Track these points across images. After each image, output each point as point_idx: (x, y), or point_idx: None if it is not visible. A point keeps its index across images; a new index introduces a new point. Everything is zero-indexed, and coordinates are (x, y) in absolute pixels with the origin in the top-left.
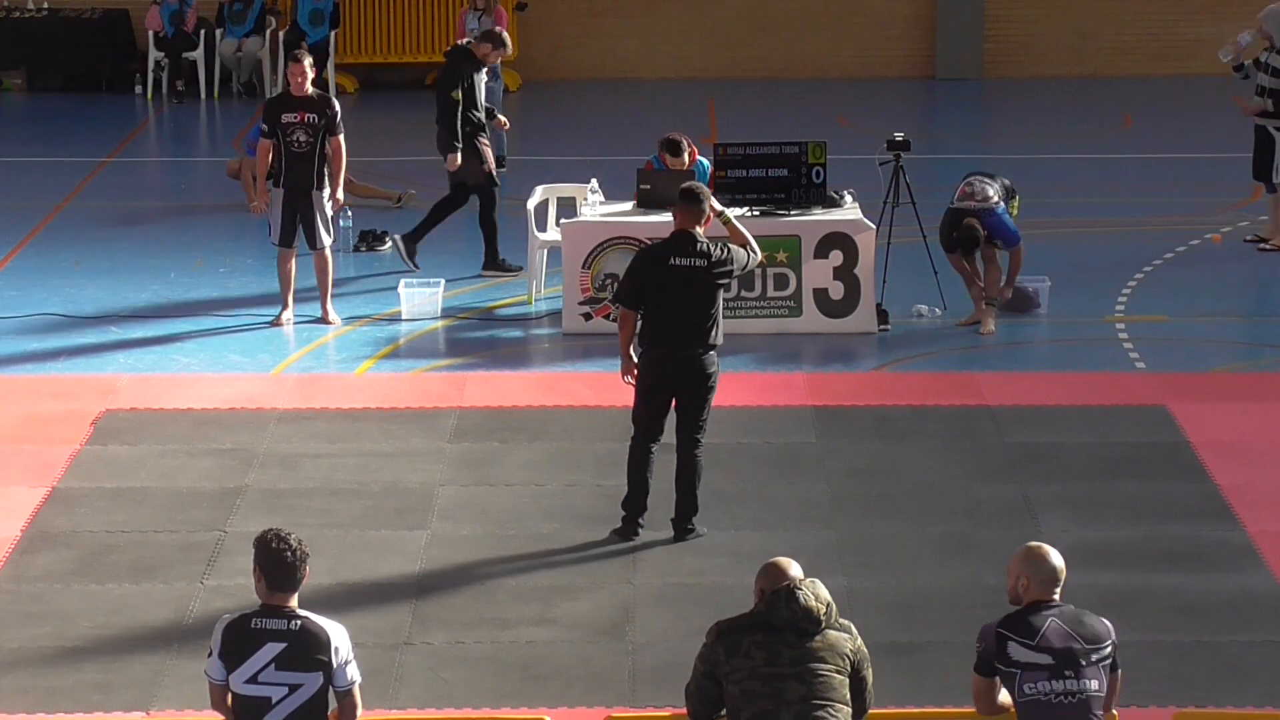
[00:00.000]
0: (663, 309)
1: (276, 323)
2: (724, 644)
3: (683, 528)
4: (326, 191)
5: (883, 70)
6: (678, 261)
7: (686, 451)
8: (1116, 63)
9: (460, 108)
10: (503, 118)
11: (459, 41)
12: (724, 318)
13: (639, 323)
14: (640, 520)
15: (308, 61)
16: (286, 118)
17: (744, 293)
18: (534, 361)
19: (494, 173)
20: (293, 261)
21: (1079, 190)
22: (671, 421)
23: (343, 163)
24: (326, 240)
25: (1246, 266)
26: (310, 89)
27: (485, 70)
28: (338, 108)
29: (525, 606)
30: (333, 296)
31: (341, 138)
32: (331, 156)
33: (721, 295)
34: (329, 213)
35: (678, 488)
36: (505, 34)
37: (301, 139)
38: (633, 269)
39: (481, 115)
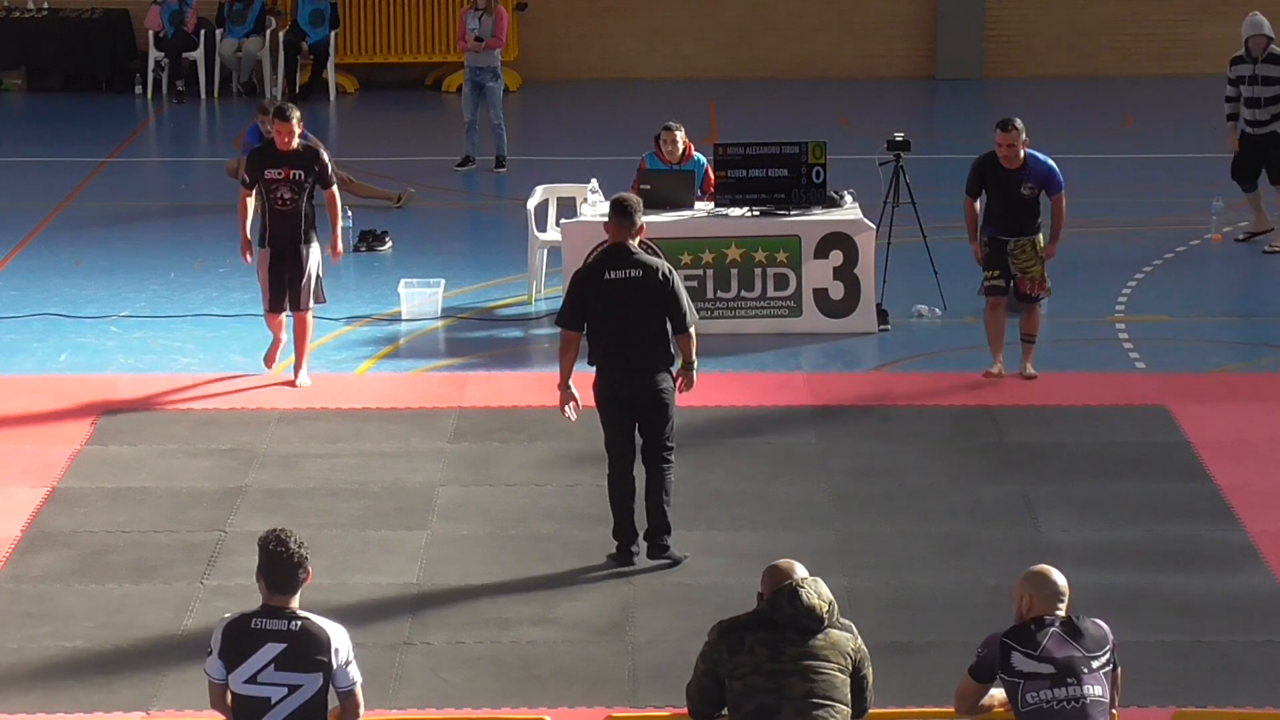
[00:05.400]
0: (607, 327)
1: (268, 365)
2: (727, 641)
3: (656, 544)
4: (315, 247)
5: (883, 70)
6: (613, 275)
7: (654, 468)
8: (1116, 63)
9: None
10: None
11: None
12: (724, 318)
13: (587, 345)
14: (634, 548)
15: (295, 118)
16: (270, 174)
17: (744, 293)
18: (534, 361)
19: None
20: (282, 322)
21: (1079, 190)
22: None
23: (338, 214)
24: (312, 303)
25: (1246, 266)
26: (296, 143)
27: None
28: (327, 159)
29: (525, 606)
30: (310, 356)
31: (335, 188)
32: (327, 208)
33: (664, 308)
34: (318, 271)
35: (648, 505)
36: None
37: (286, 196)
38: (570, 289)
39: None
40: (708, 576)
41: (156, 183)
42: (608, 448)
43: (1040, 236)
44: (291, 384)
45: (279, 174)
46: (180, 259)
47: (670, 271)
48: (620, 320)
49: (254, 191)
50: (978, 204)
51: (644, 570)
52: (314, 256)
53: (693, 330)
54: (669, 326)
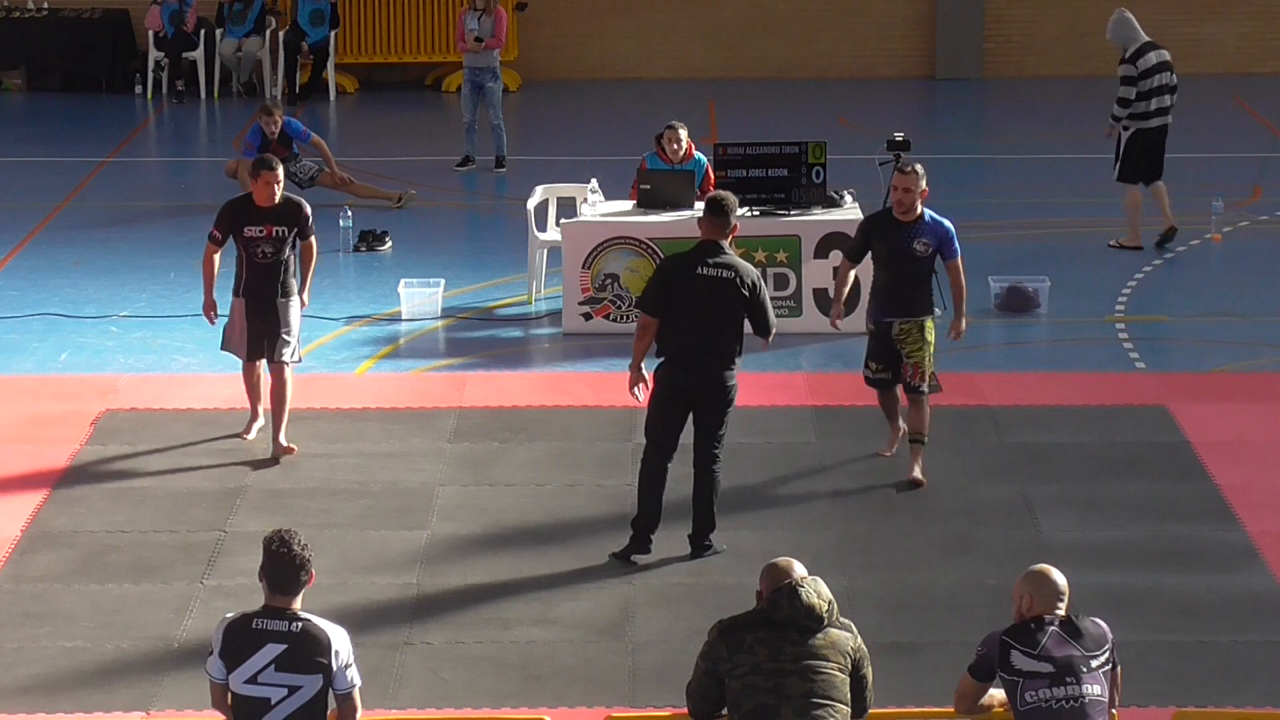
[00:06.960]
0: (688, 319)
1: (245, 434)
2: (726, 641)
3: (700, 544)
4: (295, 300)
5: (883, 70)
6: (705, 270)
7: (704, 466)
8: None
9: None
10: None
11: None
12: None
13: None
14: (651, 537)
15: (280, 171)
16: (250, 231)
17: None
18: (534, 361)
19: None
20: (259, 372)
21: (1079, 190)
22: (687, 436)
23: (314, 263)
24: (290, 356)
25: (1246, 266)
26: (279, 197)
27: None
28: (309, 211)
29: (525, 606)
30: (290, 415)
31: (314, 239)
32: (302, 259)
33: (744, 312)
34: (297, 322)
35: (695, 504)
36: None
37: (266, 251)
38: (657, 275)
39: None
40: (708, 576)
41: (156, 183)
42: (650, 433)
43: (930, 321)
44: (275, 451)
45: (260, 231)
46: (180, 259)
47: (759, 279)
48: (701, 315)
49: (222, 247)
50: (852, 274)
51: (644, 570)
52: (294, 309)
53: (769, 337)
54: (746, 328)
